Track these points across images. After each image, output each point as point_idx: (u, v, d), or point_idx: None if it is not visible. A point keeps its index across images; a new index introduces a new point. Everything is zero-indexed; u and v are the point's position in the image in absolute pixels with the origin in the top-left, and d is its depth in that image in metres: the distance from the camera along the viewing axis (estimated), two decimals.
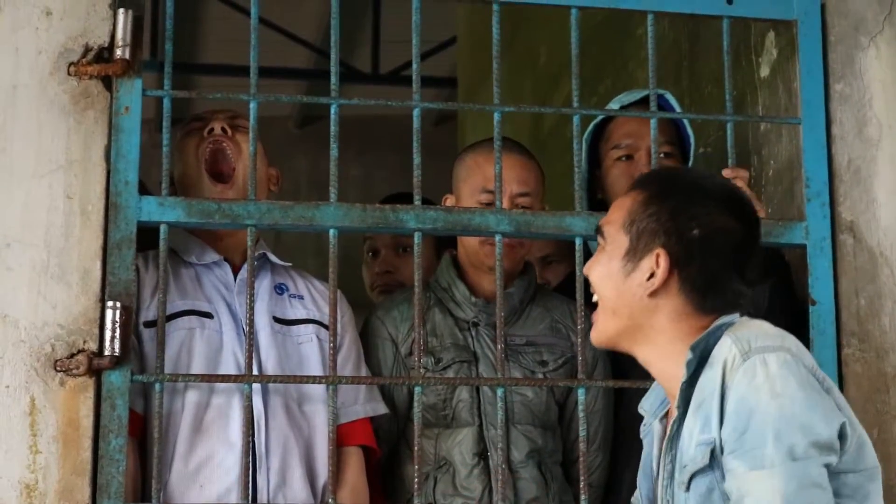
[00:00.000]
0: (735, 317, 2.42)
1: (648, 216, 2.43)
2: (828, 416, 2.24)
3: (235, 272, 3.21)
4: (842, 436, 2.27)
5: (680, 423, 2.38)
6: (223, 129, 3.22)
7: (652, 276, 2.40)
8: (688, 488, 2.32)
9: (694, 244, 2.39)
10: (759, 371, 2.25)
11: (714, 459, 2.27)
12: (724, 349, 2.31)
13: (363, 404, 3.21)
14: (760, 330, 2.35)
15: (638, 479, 2.55)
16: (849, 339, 3.11)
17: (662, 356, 2.42)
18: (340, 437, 3.06)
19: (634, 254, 2.42)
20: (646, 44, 3.22)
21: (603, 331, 2.48)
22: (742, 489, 2.21)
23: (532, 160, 3.39)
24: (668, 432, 2.42)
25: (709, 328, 2.38)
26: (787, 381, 2.24)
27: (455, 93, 8.23)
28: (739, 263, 2.42)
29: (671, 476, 2.39)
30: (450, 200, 3.38)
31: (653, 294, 2.41)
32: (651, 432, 2.52)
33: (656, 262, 2.40)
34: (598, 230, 2.50)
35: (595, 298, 2.50)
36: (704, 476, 2.29)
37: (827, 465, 2.23)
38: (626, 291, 2.43)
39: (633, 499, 2.57)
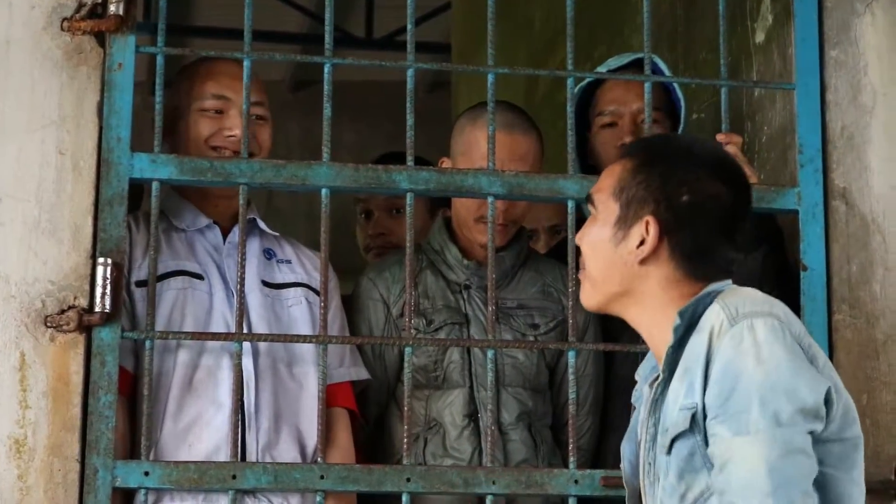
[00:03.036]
0: (726, 284, 2.41)
1: (638, 184, 2.42)
2: (813, 383, 2.24)
3: (225, 236, 3.20)
4: (827, 402, 2.26)
5: (664, 387, 2.38)
6: None
7: (642, 243, 2.40)
8: (669, 452, 2.32)
9: (684, 211, 2.39)
10: (745, 336, 2.25)
11: (695, 424, 2.27)
12: (713, 315, 2.31)
13: (347, 368, 3.21)
14: (749, 296, 2.34)
15: (622, 443, 2.55)
16: (840, 306, 3.11)
17: (653, 322, 2.42)
18: (327, 398, 3.07)
19: (624, 221, 2.42)
20: (641, 9, 3.21)
21: (592, 296, 2.48)
22: (726, 455, 2.21)
23: (530, 134, 3.35)
24: (652, 395, 2.43)
25: (698, 294, 2.38)
26: (774, 347, 2.24)
27: (449, 59, 8.20)
28: (730, 230, 2.41)
29: (654, 439, 2.39)
30: (446, 163, 3.37)
31: (643, 261, 2.40)
32: (641, 397, 2.53)
33: (646, 229, 2.39)
34: (589, 198, 2.50)
35: (583, 265, 2.50)
36: (686, 440, 2.29)
37: (812, 432, 2.23)
38: (617, 259, 2.42)
39: (622, 466, 2.57)
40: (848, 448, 2.32)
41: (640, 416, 2.51)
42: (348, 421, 3.19)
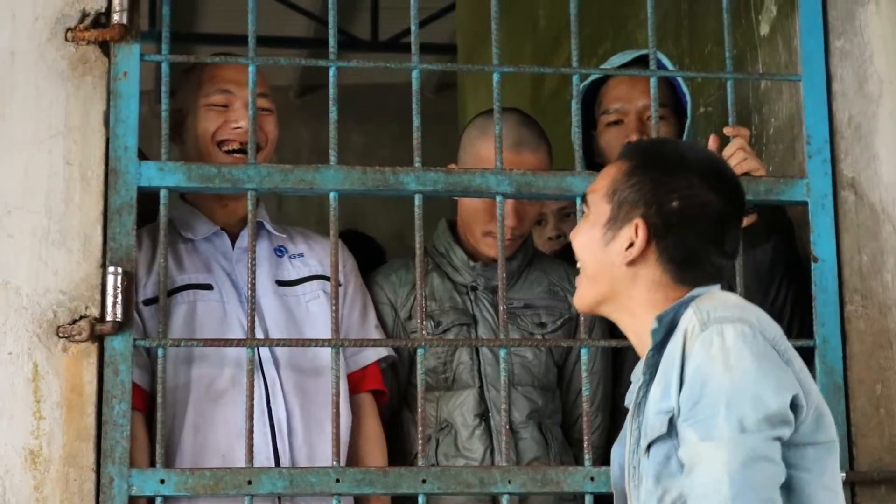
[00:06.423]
0: (710, 289, 2.42)
1: (630, 186, 2.44)
2: (780, 388, 2.24)
3: (233, 242, 3.20)
4: (795, 407, 2.26)
5: (646, 390, 2.39)
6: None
7: (631, 245, 2.41)
8: (648, 455, 2.33)
9: (673, 216, 2.40)
10: (715, 341, 2.26)
11: (672, 427, 2.28)
12: (686, 319, 2.33)
13: (372, 348, 3.20)
14: (721, 301, 2.35)
15: (613, 447, 2.55)
16: (851, 296, 3.11)
17: (640, 325, 2.43)
18: (353, 385, 3.07)
19: (615, 223, 2.44)
20: (645, 4, 3.21)
21: (584, 296, 2.50)
22: (693, 459, 2.22)
23: (538, 152, 3.35)
24: (636, 399, 2.43)
25: (681, 299, 2.39)
26: (742, 354, 2.24)
27: (454, 60, 8.22)
28: (719, 237, 2.42)
29: (637, 442, 2.39)
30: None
31: (631, 263, 2.42)
32: (632, 400, 2.53)
33: (635, 231, 2.41)
34: (584, 198, 2.53)
35: (579, 265, 2.51)
36: (663, 444, 2.30)
37: (779, 438, 2.23)
38: (606, 259, 2.44)
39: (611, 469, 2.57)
40: (821, 452, 2.32)
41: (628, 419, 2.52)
42: (375, 407, 3.20)
